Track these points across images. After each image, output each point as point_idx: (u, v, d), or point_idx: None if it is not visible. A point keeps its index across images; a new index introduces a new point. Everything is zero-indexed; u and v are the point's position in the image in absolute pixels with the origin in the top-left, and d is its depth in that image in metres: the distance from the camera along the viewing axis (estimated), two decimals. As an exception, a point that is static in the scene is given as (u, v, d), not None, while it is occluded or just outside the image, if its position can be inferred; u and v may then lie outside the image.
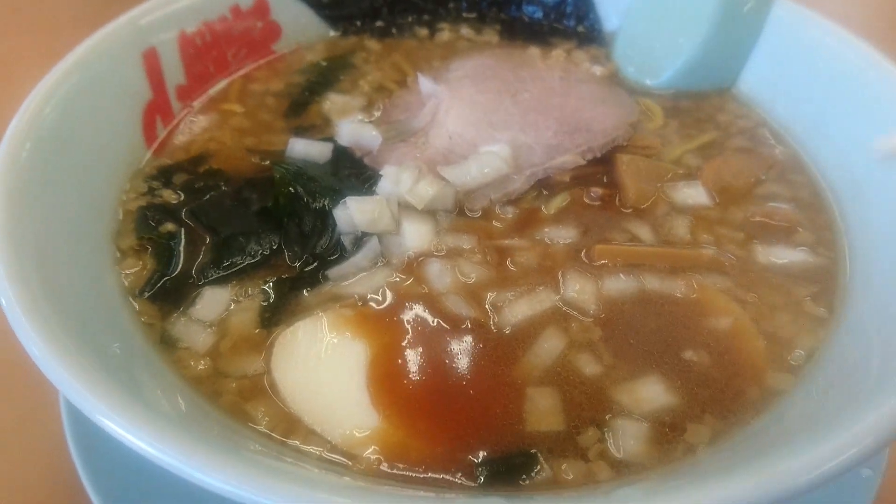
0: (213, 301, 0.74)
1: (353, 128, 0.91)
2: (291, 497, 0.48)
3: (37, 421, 0.86)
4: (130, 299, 0.74)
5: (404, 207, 0.80)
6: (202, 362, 0.69)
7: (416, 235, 0.78)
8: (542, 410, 0.64)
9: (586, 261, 0.77)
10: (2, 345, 0.90)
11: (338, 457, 0.62)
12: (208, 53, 1.01)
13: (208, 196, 0.85)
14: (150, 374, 0.67)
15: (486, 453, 0.62)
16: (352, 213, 0.78)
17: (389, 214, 0.78)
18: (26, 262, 0.63)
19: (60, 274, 0.66)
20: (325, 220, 0.80)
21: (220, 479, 0.49)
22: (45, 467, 0.82)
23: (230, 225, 0.81)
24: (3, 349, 0.91)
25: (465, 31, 1.17)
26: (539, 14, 1.21)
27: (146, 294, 0.74)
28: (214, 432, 0.61)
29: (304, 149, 0.90)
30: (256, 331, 0.71)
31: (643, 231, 0.81)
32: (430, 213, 0.81)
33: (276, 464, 0.58)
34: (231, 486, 0.49)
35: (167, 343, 0.70)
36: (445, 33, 1.16)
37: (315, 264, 0.78)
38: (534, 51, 1.11)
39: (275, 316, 0.73)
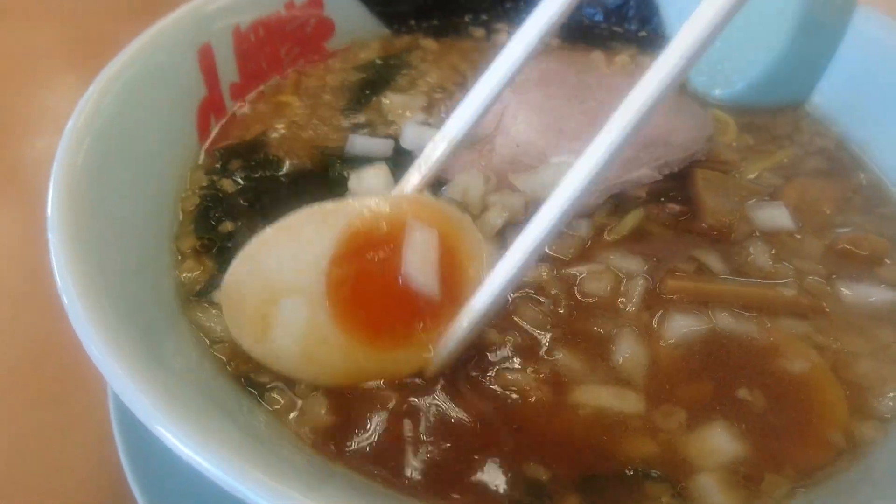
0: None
1: (418, 131, 0.87)
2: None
3: (85, 421, 0.85)
4: (190, 300, 0.70)
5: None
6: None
7: None
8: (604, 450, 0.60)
9: (657, 292, 0.72)
10: (52, 344, 0.90)
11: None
12: (261, 50, 0.97)
13: (265, 186, 0.83)
14: (206, 380, 0.63)
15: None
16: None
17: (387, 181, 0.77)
18: (89, 264, 0.59)
19: (121, 275, 0.63)
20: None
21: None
22: (93, 468, 0.81)
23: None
24: (54, 348, 0.90)
25: (524, 32, 1.12)
26: (599, 17, 1.16)
27: (204, 295, 0.71)
28: (281, 451, 0.58)
29: (364, 145, 0.88)
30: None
31: (716, 259, 0.75)
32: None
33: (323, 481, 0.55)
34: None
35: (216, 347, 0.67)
36: (503, 35, 1.12)
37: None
38: (597, 55, 1.06)
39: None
